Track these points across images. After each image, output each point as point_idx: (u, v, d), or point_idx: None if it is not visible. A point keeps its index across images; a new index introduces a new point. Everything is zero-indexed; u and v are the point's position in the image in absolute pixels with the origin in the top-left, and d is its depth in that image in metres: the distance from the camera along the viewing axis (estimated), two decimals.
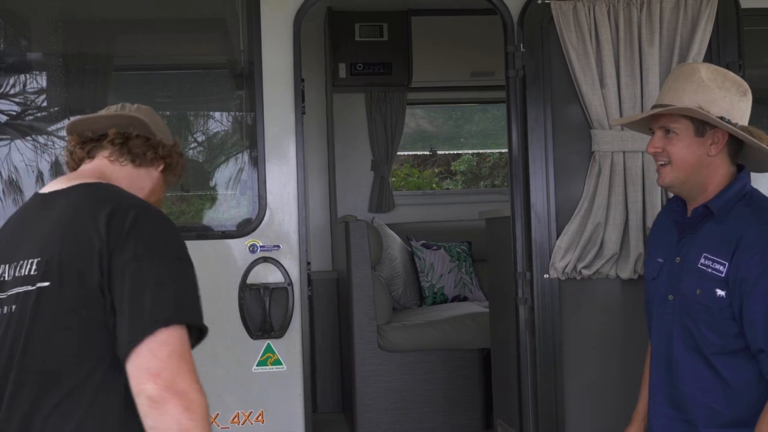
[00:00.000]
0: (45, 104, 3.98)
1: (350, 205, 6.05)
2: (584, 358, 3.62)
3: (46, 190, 2.13)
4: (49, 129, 3.91)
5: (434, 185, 9.65)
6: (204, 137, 4.04)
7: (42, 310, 1.89)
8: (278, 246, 3.57)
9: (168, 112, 4.12)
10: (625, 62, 3.57)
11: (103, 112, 2.31)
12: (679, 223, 2.65)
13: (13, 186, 3.72)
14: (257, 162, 3.58)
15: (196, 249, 3.43)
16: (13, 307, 1.93)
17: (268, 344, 3.55)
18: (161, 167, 2.32)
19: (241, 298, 3.54)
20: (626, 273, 3.58)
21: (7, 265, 2.00)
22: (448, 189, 9.03)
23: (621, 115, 3.56)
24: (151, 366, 1.80)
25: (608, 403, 3.57)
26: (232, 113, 3.96)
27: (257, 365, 3.55)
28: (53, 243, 1.93)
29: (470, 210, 5.96)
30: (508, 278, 3.83)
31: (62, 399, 1.86)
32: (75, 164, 2.26)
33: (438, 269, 5.73)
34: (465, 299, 5.73)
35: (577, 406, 3.63)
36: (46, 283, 1.90)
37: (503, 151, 9.34)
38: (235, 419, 3.52)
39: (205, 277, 3.44)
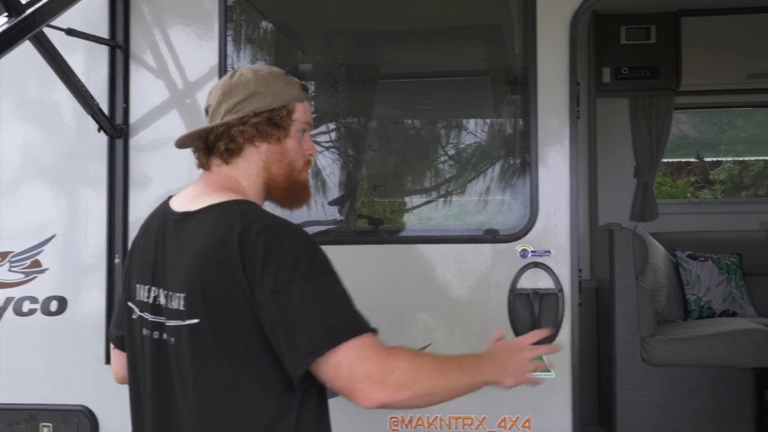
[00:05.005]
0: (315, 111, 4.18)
1: (611, 213, 5.89)
2: None
3: (178, 206, 2.07)
4: (317, 135, 4.11)
5: (689, 194, 9.21)
6: (475, 142, 4.08)
7: (195, 347, 1.91)
8: (549, 251, 3.52)
9: (435, 119, 4.21)
10: None
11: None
12: None
13: None
14: (529, 167, 3.56)
15: (467, 253, 3.54)
16: (172, 339, 1.96)
17: None
18: (256, 141, 2.09)
19: (510, 303, 3.53)
20: None
21: (161, 291, 2.00)
22: (716, 198, 8.60)
23: None
24: (338, 387, 1.83)
25: None
26: (504, 118, 3.96)
27: None
28: (196, 278, 1.91)
29: (736, 220, 5.64)
30: None
31: None
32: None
33: (705, 282, 5.45)
34: (734, 314, 5.40)
35: None
36: (195, 320, 1.90)
37: None
38: (502, 423, 3.52)
39: (475, 280, 3.54)
